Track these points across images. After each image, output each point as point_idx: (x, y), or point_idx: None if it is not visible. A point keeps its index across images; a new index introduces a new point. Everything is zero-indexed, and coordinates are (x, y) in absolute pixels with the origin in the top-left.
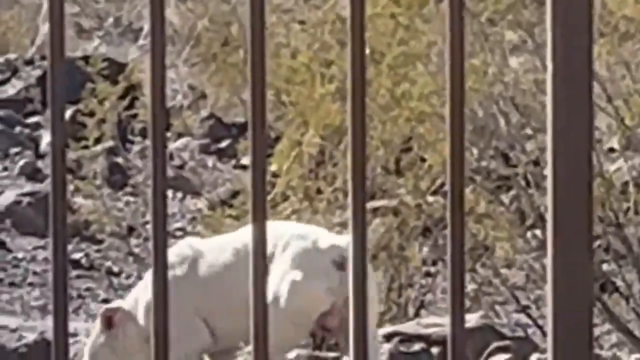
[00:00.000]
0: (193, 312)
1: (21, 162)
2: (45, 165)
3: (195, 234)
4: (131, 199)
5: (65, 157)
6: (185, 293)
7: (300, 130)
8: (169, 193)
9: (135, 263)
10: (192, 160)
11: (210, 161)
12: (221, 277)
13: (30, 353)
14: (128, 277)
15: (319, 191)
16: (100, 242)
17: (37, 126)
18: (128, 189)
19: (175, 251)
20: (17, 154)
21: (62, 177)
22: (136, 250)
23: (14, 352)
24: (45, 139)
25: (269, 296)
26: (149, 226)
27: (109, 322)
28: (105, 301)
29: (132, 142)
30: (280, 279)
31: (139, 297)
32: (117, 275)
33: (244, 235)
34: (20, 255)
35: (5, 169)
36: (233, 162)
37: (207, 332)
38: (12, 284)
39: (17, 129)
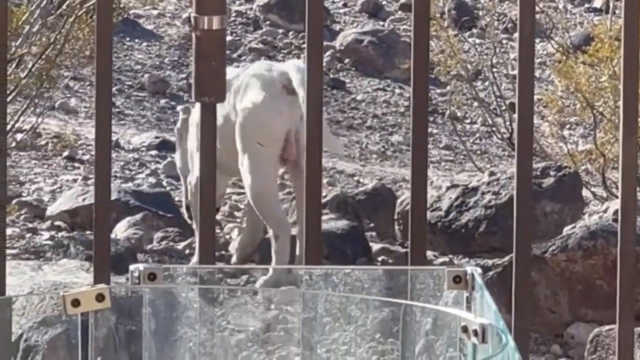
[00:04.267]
0: None
1: None
2: (387, 3)
3: (543, 81)
4: (478, 40)
5: None
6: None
7: None
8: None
9: (480, 108)
10: (542, 1)
11: (561, 3)
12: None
13: (368, 200)
14: (472, 122)
15: None
16: (445, 85)
17: None
18: (475, 31)
19: None
20: None
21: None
22: (481, 94)
23: (352, 198)
24: None
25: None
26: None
27: None
28: (447, 148)
29: None
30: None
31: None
32: (461, 120)
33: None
34: (359, 97)
35: (345, 5)
36: (586, 4)
37: None
38: (350, 127)
39: None
